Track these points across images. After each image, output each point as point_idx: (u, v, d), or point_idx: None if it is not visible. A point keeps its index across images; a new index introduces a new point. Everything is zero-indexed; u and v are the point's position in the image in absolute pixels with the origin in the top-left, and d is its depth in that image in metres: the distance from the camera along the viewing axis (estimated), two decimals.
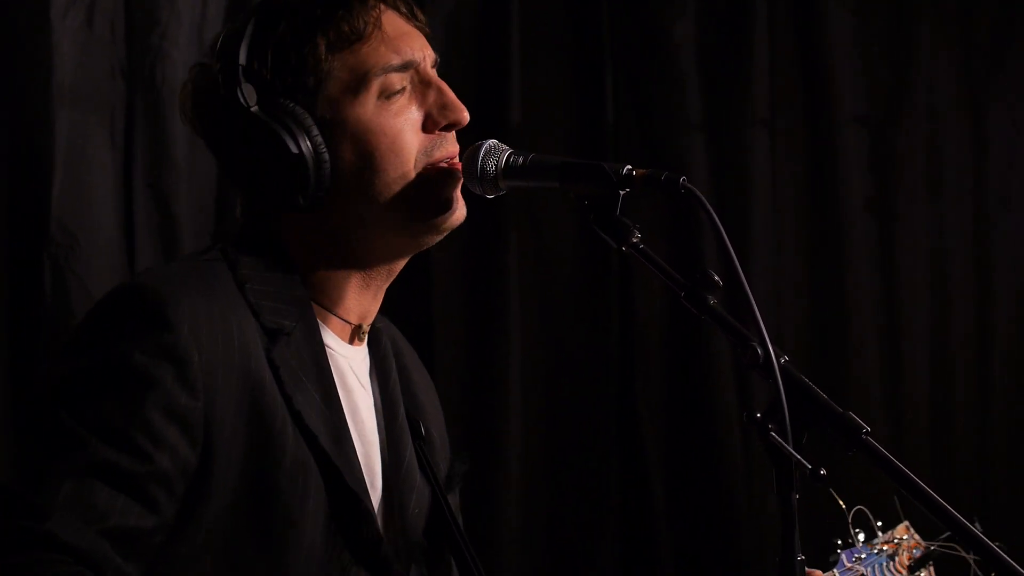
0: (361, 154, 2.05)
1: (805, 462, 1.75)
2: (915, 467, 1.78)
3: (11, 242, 3.53)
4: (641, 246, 1.92)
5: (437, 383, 2.43)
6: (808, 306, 4.56)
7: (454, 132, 2.11)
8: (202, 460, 1.91)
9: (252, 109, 2.03)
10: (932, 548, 2.41)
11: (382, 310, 2.20)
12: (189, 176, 3.72)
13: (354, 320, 2.13)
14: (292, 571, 1.97)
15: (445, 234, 2.12)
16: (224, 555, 1.94)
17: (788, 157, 4.55)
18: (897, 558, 2.41)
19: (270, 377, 1.97)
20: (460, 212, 2.11)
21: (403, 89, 2.08)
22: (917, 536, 2.43)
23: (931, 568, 2.43)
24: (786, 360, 1.81)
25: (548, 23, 4.39)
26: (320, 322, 2.08)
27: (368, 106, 2.06)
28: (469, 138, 2.12)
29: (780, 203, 4.54)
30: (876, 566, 2.38)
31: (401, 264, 2.15)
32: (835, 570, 2.34)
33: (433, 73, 2.11)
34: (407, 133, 2.07)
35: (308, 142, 2.03)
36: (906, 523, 2.43)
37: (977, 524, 1.81)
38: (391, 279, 2.15)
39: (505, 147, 2.07)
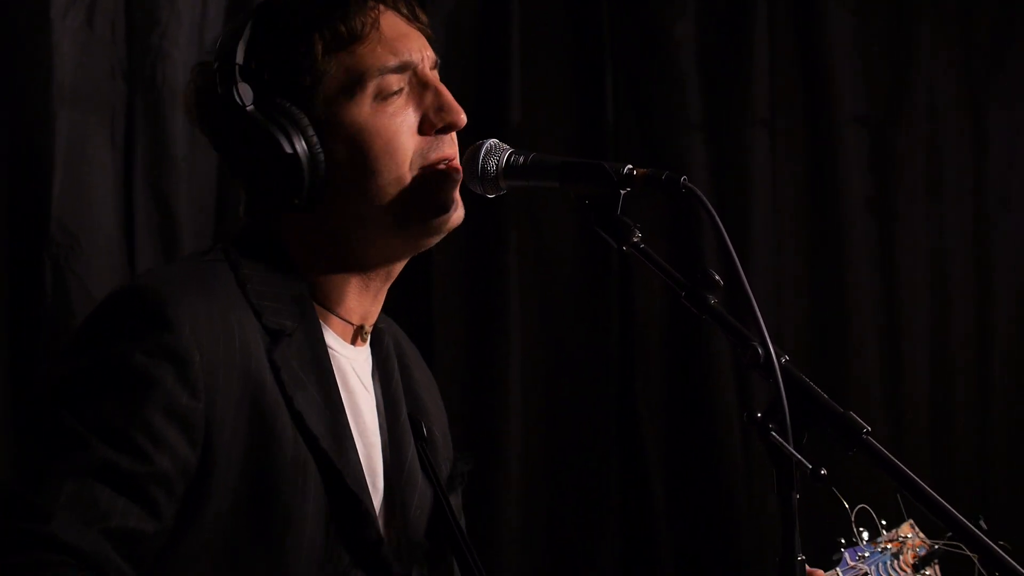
0: (356, 155, 2.05)
1: (805, 462, 1.75)
2: (915, 467, 1.78)
3: (11, 242, 3.53)
4: (642, 246, 1.92)
5: (437, 383, 2.43)
6: (808, 306, 4.56)
7: (452, 134, 2.10)
8: (202, 460, 1.91)
9: (248, 108, 2.03)
10: (937, 546, 2.41)
11: (383, 310, 2.19)
12: (189, 176, 3.72)
13: (356, 321, 2.13)
14: (292, 572, 1.96)
15: (443, 236, 2.11)
16: (224, 556, 1.94)
17: (788, 157, 4.55)
18: (901, 556, 2.40)
19: (271, 378, 1.97)
20: (457, 214, 2.10)
21: (400, 90, 2.07)
22: (922, 534, 2.43)
23: (936, 566, 2.42)
24: (786, 360, 1.80)
25: (548, 23, 4.39)
26: (322, 323, 2.08)
27: (364, 107, 2.05)
28: (469, 138, 2.11)
29: (780, 203, 4.54)
30: (880, 564, 2.38)
31: (400, 266, 2.15)
32: (838, 569, 2.34)
33: (431, 75, 2.10)
34: (402, 134, 2.06)
35: (303, 142, 2.02)
36: (910, 521, 2.43)
37: (982, 523, 1.81)
38: (390, 281, 2.15)
39: (506, 147, 2.07)
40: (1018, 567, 1.71)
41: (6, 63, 3.53)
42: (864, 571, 2.36)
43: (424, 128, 2.08)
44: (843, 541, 2.37)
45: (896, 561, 2.40)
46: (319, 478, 1.98)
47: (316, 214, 2.07)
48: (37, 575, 1.79)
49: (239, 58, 2.04)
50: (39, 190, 3.52)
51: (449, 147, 2.09)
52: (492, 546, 4.15)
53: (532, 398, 4.29)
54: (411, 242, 2.11)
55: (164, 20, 3.66)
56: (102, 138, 3.62)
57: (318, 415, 1.99)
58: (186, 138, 3.70)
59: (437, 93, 2.09)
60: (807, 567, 1.83)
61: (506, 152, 2.06)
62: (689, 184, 1.89)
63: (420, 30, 2.13)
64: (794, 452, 1.75)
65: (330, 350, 2.07)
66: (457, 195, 2.09)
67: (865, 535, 2.38)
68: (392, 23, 2.10)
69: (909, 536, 2.42)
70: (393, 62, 2.07)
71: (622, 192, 1.94)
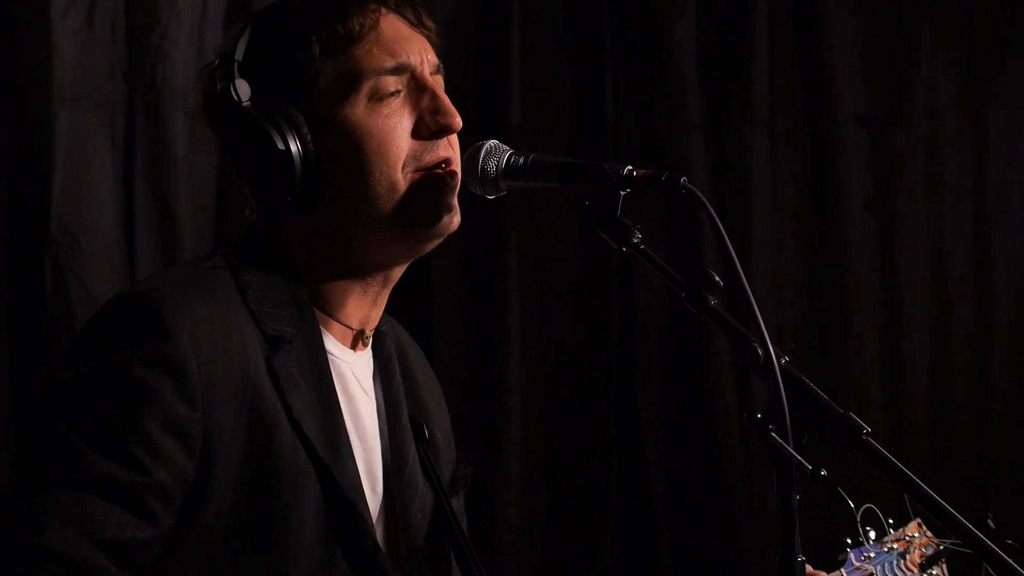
0: (350, 155, 2.05)
1: (805, 462, 1.75)
2: (915, 467, 1.78)
3: (11, 242, 3.53)
4: (642, 246, 1.92)
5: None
6: (808, 306, 4.56)
7: (452, 138, 2.10)
8: (200, 469, 1.91)
9: (245, 104, 2.03)
10: (943, 546, 2.41)
11: (385, 310, 2.19)
12: (189, 176, 3.72)
13: (355, 325, 2.12)
14: None
15: (439, 240, 2.11)
16: (223, 561, 1.93)
17: (788, 157, 4.55)
18: (908, 556, 2.40)
19: (270, 385, 1.97)
20: (452, 221, 2.09)
21: (397, 92, 2.07)
22: (929, 533, 2.42)
23: (943, 565, 2.42)
24: (786, 360, 1.80)
25: (548, 23, 4.39)
26: (322, 328, 2.08)
27: (359, 107, 2.05)
28: (469, 138, 2.11)
29: (780, 203, 4.54)
30: (886, 564, 2.37)
31: (399, 271, 2.14)
32: (842, 569, 2.34)
33: (430, 78, 2.10)
34: (396, 136, 2.06)
35: (297, 140, 2.03)
36: (917, 520, 2.42)
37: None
38: (389, 285, 2.14)
39: (506, 147, 2.07)
40: (1018, 568, 1.70)
41: (6, 63, 3.53)
42: (869, 571, 2.35)
43: (419, 131, 2.08)
44: (849, 541, 2.37)
45: (902, 561, 2.39)
46: (317, 485, 1.98)
47: (316, 214, 2.07)
48: None
49: (239, 55, 2.05)
50: (39, 190, 3.52)
51: (445, 150, 2.08)
52: (492, 546, 4.15)
53: (532, 398, 4.29)
54: (407, 246, 2.11)
55: (164, 20, 3.66)
56: (102, 138, 3.62)
57: (316, 422, 1.99)
58: (186, 138, 3.70)
59: (434, 96, 2.09)
60: (807, 567, 1.83)
61: (506, 153, 2.06)
62: (689, 185, 1.89)
63: (424, 35, 2.13)
64: (794, 453, 1.75)
65: (330, 356, 2.07)
66: (453, 201, 2.09)
67: (872, 534, 2.38)
68: (393, 26, 2.10)
69: (916, 535, 2.41)
70: (390, 63, 2.07)
71: (622, 193, 1.94)
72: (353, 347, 2.13)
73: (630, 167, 1.95)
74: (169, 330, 1.90)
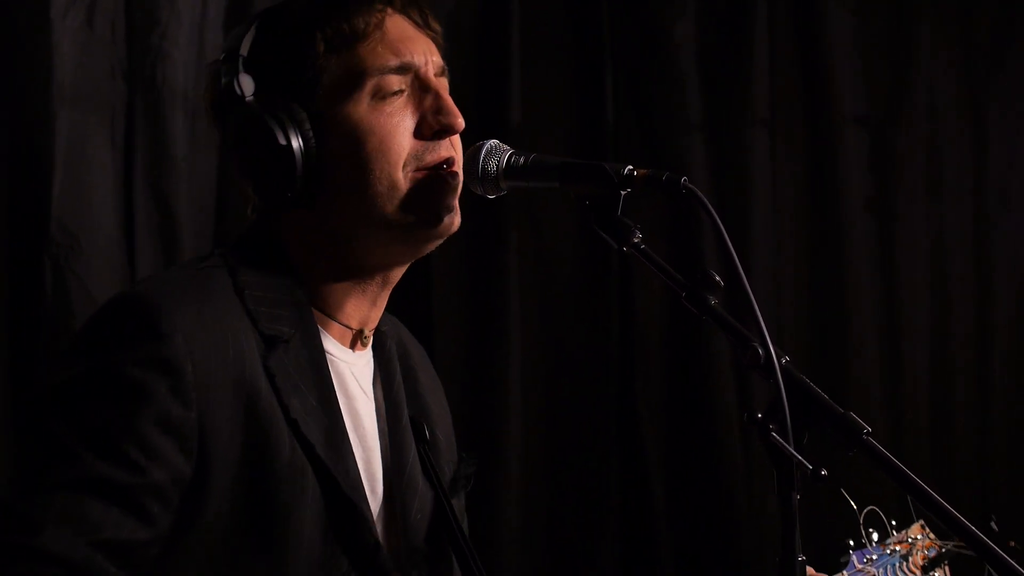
0: (351, 152, 2.04)
1: (806, 463, 1.75)
2: (915, 467, 1.78)
3: (11, 242, 3.53)
4: (642, 246, 1.91)
5: None
6: (808, 306, 4.56)
7: (453, 139, 2.10)
8: (197, 470, 1.91)
9: (247, 99, 2.04)
10: (946, 548, 2.40)
11: (384, 310, 2.19)
12: (189, 176, 3.72)
13: (355, 325, 2.12)
14: None
15: (439, 241, 2.10)
16: (223, 561, 1.94)
17: (788, 157, 4.55)
18: (911, 558, 2.39)
19: (267, 385, 1.97)
20: (452, 222, 2.08)
21: (400, 92, 2.07)
22: (932, 535, 2.42)
23: (946, 568, 2.42)
24: (787, 360, 1.80)
25: (548, 23, 4.39)
26: (320, 328, 2.08)
27: (361, 105, 2.05)
28: (470, 138, 2.11)
29: (780, 203, 4.54)
30: (888, 567, 2.37)
31: (399, 272, 2.14)
32: (845, 571, 2.33)
33: (434, 79, 2.10)
34: (398, 135, 2.06)
35: (298, 136, 2.03)
36: (920, 522, 2.42)
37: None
38: (389, 286, 2.14)
39: (506, 147, 2.06)
40: (1020, 569, 1.70)
41: (6, 63, 3.53)
42: (872, 573, 2.35)
43: (422, 131, 2.08)
44: (851, 543, 2.36)
45: (905, 563, 2.39)
46: (316, 485, 1.98)
47: (316, 213, 2.07)
48: None
49: (243, 51, 2.06)
50: (39, 190, 3.52)
51: (447, 150, 2.08)
52: (492, 546, 4.15)
53: (532, 398, 4.29)
54: (406, 246, 2.10)
55: (164, 20, 3.66)
56: (102, 138, 3.62)
57: (314, 421, 1.99)
58: (186, 138, 3.70)
59: (437, 96, 2.09)
60: (808, 569, 1.83)
61: (506, 153, 2.06)
62: (689, 185, 1.89)
63: (430, 37, 2.13)
64: (794, 453, 1.75)
65: (328, 355, 2.07)
66: (454, 201, 2.08)
67: (875, 536, 2.38)
68: (399, 26, 2.10)
69: (919, 537, 2.41)
70: (394, 62, 2.07)
71: (622, 193, 1.94)
72: (352, 347, 2.13)
73: (630, 167, 1.95)
74: (164, 331, 1.90)
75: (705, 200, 1.87)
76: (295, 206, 2.06)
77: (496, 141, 2.07)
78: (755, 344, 1.80)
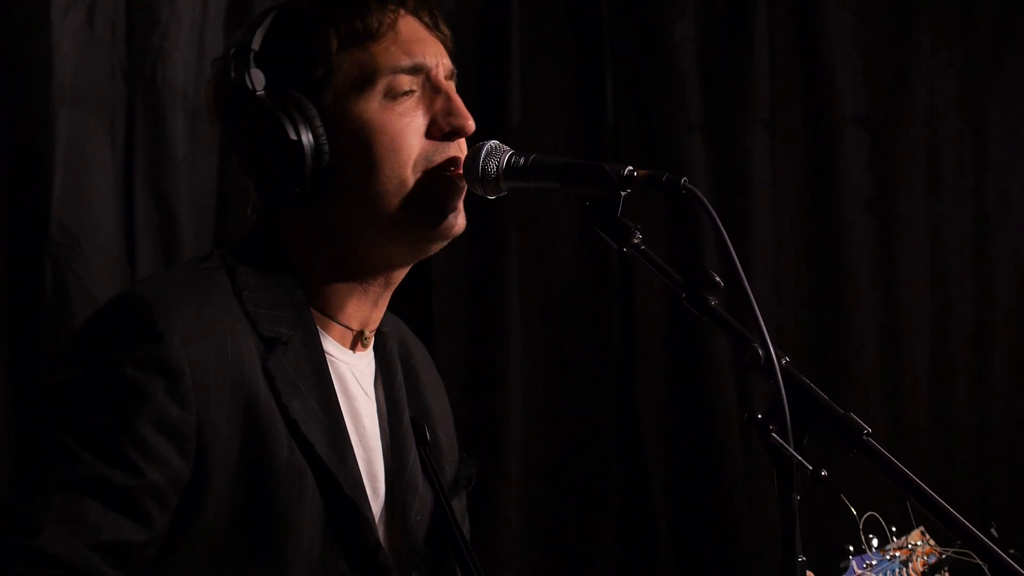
0: (361, 151, 2.04)
1: (806, 463, 1.75)
2: (915, 467, 1.78)
3: (11, 242, 3.53)
4: (642, 247, 1.91)
5: None
6: (808, 306, 4.56)
7: (461, 141, 2.10)
8: (196, 471, 1.91)
9: (258, 94, 2.03)
10: (946, 554, 2.40)
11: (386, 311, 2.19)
12: (189, 176, 3.72)
13: (355, 326, 2.12)
14: None
15: (444, 243, 2.10)
16: (222, 562, 1.94)
17: (788, 157, 4.55)
18: (911, 564, 2.39)
19: (265, 387, 1.97)
20: (459, 221, 2.09)
21: (411, 92, 2.07)
22: (932, 542, 2.42)
23: (946, 574, 2.41)
24: (787, 361, 1.80)
25: (548, 23, 4.39)
26: (320, 329, 2.07)
27: (373, 103, 2.05)
28: (470, 139, 2.11)
29: (780, 203, 4.54)
30: (888, 572, 2.37)
31: (401, 273, 2.13)
32: None
33: (445, 81, 2.10)
34: (409, 135, 2.06)
35: (309, 132, 2.03)
36: (920, 528, 2.41)
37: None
38: (391, 287, 2.14)
39: (506, 148, 2.07)
40: (1020, 570, 1.70)
41: (6, 63, 3.53)
42: None
43: (432, 132, 2.08)
44: (851, 548, 2.36)
45: (905, 569, 2.38)
46: (315, 485, 1.97)
47: (319, 212, 2.06)
48: None
49: (255, 45, 2.05)
50: (39, 190, 3.52)
51: (456, 151, 2.08)
52: (492, 546, 4.15)
53: (532, 398, 4.29)
54: (411, 247, 2.10)
55: (164, 20, 3.66)
56: (102, 138, 3.62)
57: (314, 422, 1.99)
58: (186, 138, 3.70)
59: (448, 98, 2.09)
60: (808, 573, 1.83)
61: (507, 154, 2.06)
62: (690, 186, 1.89)
63: (440, 40, 2.13)
64: (795, 453, 1.75)
65: (328, 356, 2.07)
66: (459, 203, 2.09)
67: (875, 542, 2.37)
68: (411, 27, 2.10)
69: (919, 544, 2.41)
70: (406, 63, 2.07)
71: (622, 193, 1.94)
72: (353, 348, 2.12)
73: (631, 167, 1.95)
74: (162, 333, 1.90)
75: (705, 201, 1.86)
76: (299, 204, 2.05)
77: (496, 142, 2.07)
78: (755, 345, 1.80)
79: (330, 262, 2.09)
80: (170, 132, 3.68)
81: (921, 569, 2.40)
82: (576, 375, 4.37)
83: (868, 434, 1.77)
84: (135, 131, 3.66)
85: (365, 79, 2.05)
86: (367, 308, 2.12)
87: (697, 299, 1.87)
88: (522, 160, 2.05)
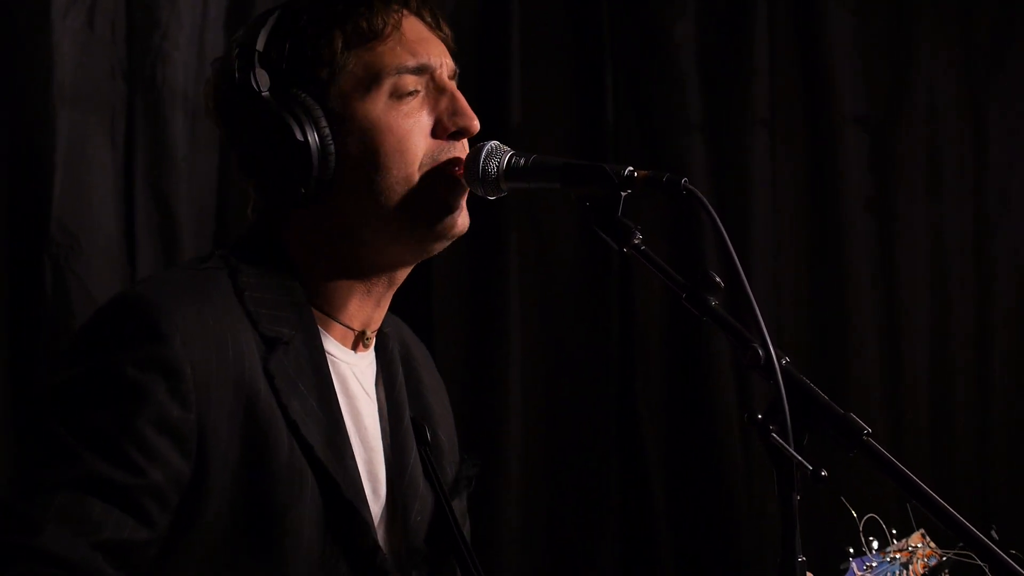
0: (367, 151, 2.04)
1: (806, 463, 1.75)
2: (915, 467, 1.78)
3: (11, 242, 3.53)
4: (642, 247, 1.91)
5: None
6: (808, 306, 4.56)
7: (465, 142, 2.10)
8: (196, 471, 1.91)
9: (263, 94, 2.03)
10: (947, 557, 2.40)
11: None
12: (189, 176, 3.72)
13: (357, 326, 2.12)
14: None
15: (447, 242, 2.10)
16: (221, 563, 1.94)
17: (788, 157, 4.55)
18: (911, 566, 2.39)
19: (266, 387, 1.96)
20: (462, 219, 2.09)
21: (416, 92, 2.07)
22: (932, 544, 2.41)
23: None
24: (787, 361, 1.80)
25: (548, 23, 4.39)
26: (321, 329, 2.07)
27: (378, 104, 2.06)
28: (470, 139, 2.12)
29: (780, 203, 4.54)
30: (888, 574, 2.36)
31: (403, 273, 2.13)
32: None
33: (449, 81, 2.11)
34: (415, 135, 2.06)
35: (315, 132, 2.02)
36: (921, 531, 2.41)
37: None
38: (393, 288, 2.14)
39: (507, 148, 2.07)
40: (1021, 571, 1.70)
41: (6, 63, 3.54)
42: None
43: (437, 132, 2.08)
44: (851, 551, 2.36)
45: (905, 572, 2.38)
46: (315, 487, 1.98)
47: (321, 211, 2.06)
48: None
49: (259, 45, 2.05)
50: (39, 190, 3.52)
51: (460, 151, 2.09)
52: (492, 546, 4.15)
53: (532, 398, 4.29)
54: (414, 246, 2.10)
55: (164, 21, 3.66)
56: (102, 138, 3.62)
57: (314, 423, 1.99)
58: (186, 138, 3.70)
59: (453, 98, 2.09)
60: (808, 574, 1.83)
61: (507, 154, 2.06)
62: (690, 186, 1.89)
63: (442, 40, 2.13)
64: (795, 453, 1.75)
65: (329, 356, 2.07)
66: (462, 201, 2.09)
67: (875, 544, 2.37)
68: (414, 27, 2.10)
69: (919, 546, 2.40)
70: (411, 63, 2.07)
71: (623, 194, 1.94)
72: (354, 348, 2.12)
73: (631, 168, 1.95)
74: (162, 333, 1.90)
75: (705, 201, 1.86)
76: (304, 204, 2.05)
77: (496, 142, 2.07)
78: (755, 345, 1.80)
79: (332, 262, 2.09)
80: (170, 132, 3.68)
81: (921, 571, 2.39)
82: (576, 375, 4.37)
83: (868, 434, 1.77)
84: (135, 131, 3.66)
85: (371, 79, 2.05)
86: (369, 308, 2.12)
87: (697, 299, 1.87)
88: (522, 160, 2.05)
